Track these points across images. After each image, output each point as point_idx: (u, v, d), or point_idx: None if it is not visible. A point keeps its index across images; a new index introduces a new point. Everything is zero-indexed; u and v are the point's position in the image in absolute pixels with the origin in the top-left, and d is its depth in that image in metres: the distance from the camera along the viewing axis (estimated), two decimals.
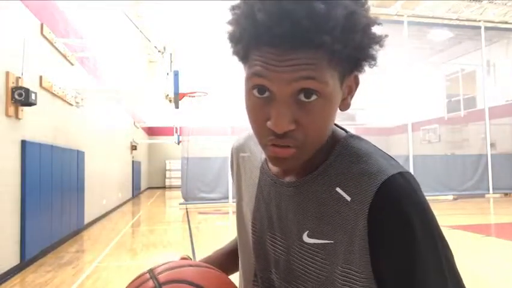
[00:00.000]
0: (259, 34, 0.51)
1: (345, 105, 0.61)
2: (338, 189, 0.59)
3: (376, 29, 0.57)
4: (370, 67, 0.59)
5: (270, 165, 0.71)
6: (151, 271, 0.63)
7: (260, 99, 0.55)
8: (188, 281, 0.61)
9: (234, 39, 0.57)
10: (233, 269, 0.86)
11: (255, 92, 0.55)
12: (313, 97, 0.53)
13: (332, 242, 0.58)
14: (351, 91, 0.61)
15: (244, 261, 0.77)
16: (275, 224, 0.67)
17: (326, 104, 0.54)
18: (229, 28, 0.57)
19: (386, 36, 0.58)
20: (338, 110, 0.61)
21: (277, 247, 0.66)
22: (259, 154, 0.75)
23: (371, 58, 0.58)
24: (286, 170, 0.67)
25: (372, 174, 0.57)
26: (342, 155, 0.62)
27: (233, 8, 0.56)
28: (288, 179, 0.66)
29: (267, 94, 0.54)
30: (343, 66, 0.55)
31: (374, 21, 0.56)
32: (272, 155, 0.57)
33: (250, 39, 0.53)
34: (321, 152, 0.62)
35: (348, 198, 0.58)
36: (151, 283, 0.60)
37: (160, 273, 0.62)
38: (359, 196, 0.57)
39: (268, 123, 0.54)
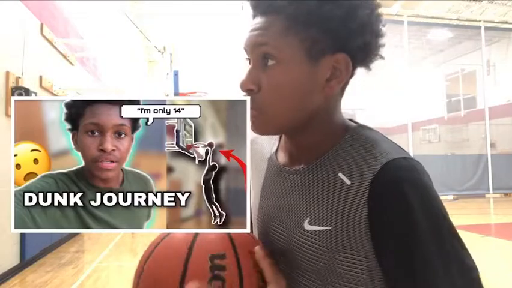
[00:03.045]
0: (250, 5, 0.62)
1: (330, 88, 0.60)
2: (340, 174, 0.59)
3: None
4: (351, 44, 0.57)
5: (279, 156, 0.72)
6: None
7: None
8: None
9: None
10: None
11: (248, 63, 0.62)
12: (271, 62, 0.58)
13: (330, 228, 0.58)
14: (336, 73, 0.59)
15: None
16: (279, 213, 0.67)
17: (283, 70, 0.58)
18: None
19: (357, 9, 0.56)
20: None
21: (280, 236, 0.66)
22: (269, 146, 0.76)
23: (354, 35, 0.57)
24: (294, 159, 0.68)
25: (374, 157, 0.57)
26: (349, 142, 0.62)
27: None
28: (295, 168, 0.66)
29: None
30: (310, 36, 0.56)
31: (358, 4, 0.57)
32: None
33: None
34: (329, 140, 0.63)
35: (348, 182, 0.57)
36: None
37: None
38: (359, 179, 0.56)
39: None
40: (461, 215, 9.49)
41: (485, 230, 7.36)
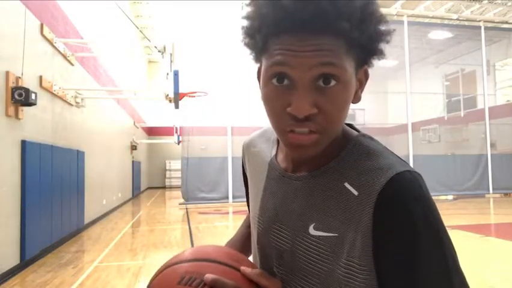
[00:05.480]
0: (281, 19, 0.53)
1: (356, 98, 0.62)
2: (346, 184, 0.60)
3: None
4: (378, 60, 0.62)
5: (279, 160, 0.72)
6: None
7: (278, 88, 0.56)
8: (209, 259, 0.62)
9: (252, 30, 0.58)
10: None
11: (274, 81, 0.56)
12: (333, 82, 0.55)
13: (336, 235, 0.59)
14: (361, 84, 0.63)
15: (252, 254, 0.79)
16: (281, 216, 0.68)
17: (344, 90, 0.56)
18: (246, 22, 0.59)
19: (394, 30, 0.60)
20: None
21: (282, 239, 0.67)
22: (269, 150, 0.76)
23: (380, 52, 0.60)
24: (296, 165, 0.68)
25: (381, 170, 0.58)
26: (352, 152, 0.63)
27: (251, 1, 0.58)
28: (298, 174, 0.67)
29: (286, 82, 0.56)
30: (358, 56, 0.57)
31: (384, 17, 0.59)
32: (293, 142, 0.57)
33: (272, 26, 0.54)
34: (332, 148, 0.63)
35: (356, 193, 0.58)
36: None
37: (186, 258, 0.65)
38: (366, 190, 0.57)
39: (289, 108, 0.55)
40: (461, 215, 9.49)
41: (485, 230, 7.37)
